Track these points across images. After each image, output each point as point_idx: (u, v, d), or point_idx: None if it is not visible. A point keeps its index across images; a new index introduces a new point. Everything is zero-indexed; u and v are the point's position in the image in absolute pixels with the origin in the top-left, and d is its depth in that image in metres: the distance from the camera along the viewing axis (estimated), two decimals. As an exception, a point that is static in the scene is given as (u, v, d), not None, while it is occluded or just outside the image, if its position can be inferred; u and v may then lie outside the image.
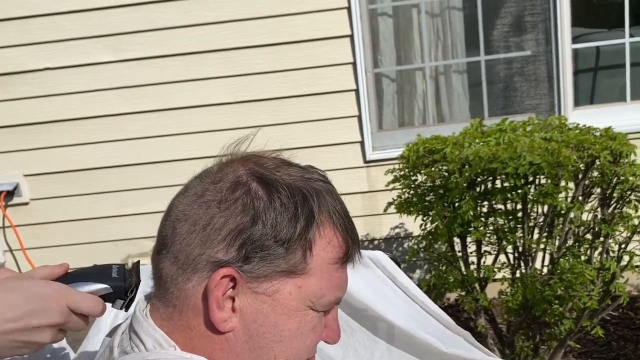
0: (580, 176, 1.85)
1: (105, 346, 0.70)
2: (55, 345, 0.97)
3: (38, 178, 3.12)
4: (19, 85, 3.02)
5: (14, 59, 2.98)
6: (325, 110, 2.95)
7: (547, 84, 2.98)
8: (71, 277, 0.69)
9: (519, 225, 1.93)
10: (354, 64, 2.91)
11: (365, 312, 1.06)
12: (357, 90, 2.93)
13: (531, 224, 1.94)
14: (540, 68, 2.99)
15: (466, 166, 1.83)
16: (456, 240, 2.10)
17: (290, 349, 0.65)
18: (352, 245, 0.68)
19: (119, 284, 0.69)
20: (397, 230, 3.04)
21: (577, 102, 3.04)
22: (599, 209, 1.91)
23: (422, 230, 2.10)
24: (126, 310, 0.71)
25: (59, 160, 3.08)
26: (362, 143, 2.97)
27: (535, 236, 1.94)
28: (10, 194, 3.10)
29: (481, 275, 1.98)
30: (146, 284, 0.75)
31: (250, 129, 2.69)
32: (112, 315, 1.01)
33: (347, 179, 2.98)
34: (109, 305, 0.78)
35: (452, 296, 2.99)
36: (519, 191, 1.75)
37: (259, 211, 0.62)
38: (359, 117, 2.95)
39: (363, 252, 1.08)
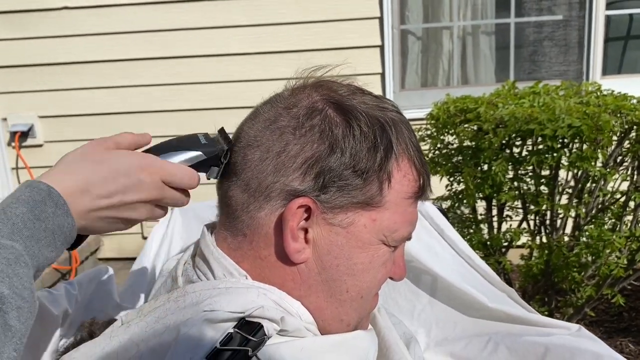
0: (614, 143, 1.81)
1: (167, 276, 0.68)
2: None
3: (52, 120, 3.08)
4: (37, 24, 2.95)
5: (32, -4, 2.90)
6: (349, 66, 2.88)
7: (577, 50, 2.91)
8: (158, 149, 0.63)
9: (545, 190, 1.91)
10: (381, 19, 2.83)
11: (410, 263, 1.03)
12: (382, 47, 2.86)
13: (560, 189, 1.91)
14: (572, 33, 2.91)
15: (500, 126, 1.79)
16: (480, 203, 2.08)
17: (362, 282, 0.63)
18: (426, 180, 0.66)
19: (211, 149, 0.63)
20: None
21: (605, 71, 2.97)
22: (629, 178, 1.88)
23: (448, 190, 2.07)
24: (222, 178, 0.65)
25: (73, 102, 3.03)
26: (383, 102, 2.92)
27: (563, 202, 1.91)
28: (24, 134, 3.06)
29: (506, 238, 1.96)
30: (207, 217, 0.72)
31: (268, 81, 2.66)
32: (155, 249, 0.99)
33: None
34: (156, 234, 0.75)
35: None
36: (554, 155, 1.71)
37: (337, 139, 0.59)
38: (382, 75, 2.89)
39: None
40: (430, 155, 2.16)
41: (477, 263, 1.04)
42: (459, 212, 2.11)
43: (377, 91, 2.89)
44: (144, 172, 0.58)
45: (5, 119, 3.09)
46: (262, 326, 0.53)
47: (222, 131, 0.66)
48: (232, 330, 0.53)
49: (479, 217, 2.08)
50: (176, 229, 1.02)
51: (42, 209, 0.53)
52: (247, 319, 0.54)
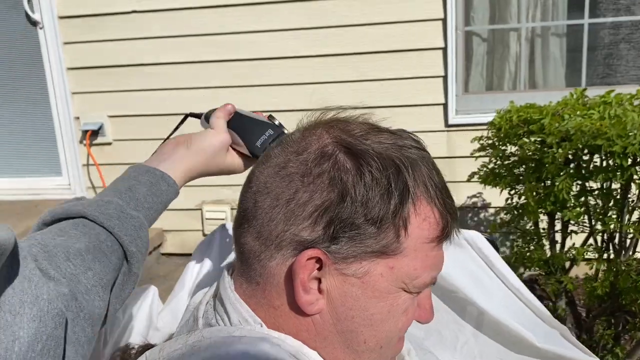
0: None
1: (190, 315, 0.68)
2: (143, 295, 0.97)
3: (121, 119, 3.21)
4: (108, 28, 3.07)
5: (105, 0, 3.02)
6: (409, 68, 2.82)
7: (657, 53, 2.71)
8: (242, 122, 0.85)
9: (614, 208, 1.79)
10: (444, 20, 2.74)
11: (454, 294, 0.99)
12: (444, 49, 2.77)
13: (629, 207, 1.78)
14: (652, 35, 2.71)
15: (565, 140, 1.69)
16: (542, 217, 1.98)
17: (381, 332, 0.60)
18: (450, 222, 0.61)
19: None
20: (474, 200, 2.92)
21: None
22: None
23: (508, 204, 1.98)
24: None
25: (140, 103, 3.14)
26: (445, 105, 2.84)
27: (634, 219, 1.79)
28: (95, 133, 3.21)
29: (568, 257, 1.86)
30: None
31: (327, 84, 2.64)
32: (196, 271, 1.00)
33: (426, 143, 2.85)
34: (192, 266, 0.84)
35: (526, 273, 2.87)
36: (625, 172, 1.60)
37: (347, 186, 0.55)
38: (445, 78, 2.81)
39: (459, 231, 1.01)
40: (490, 165, 2.08)
41: (527, 297, 0.98)
42: (520, 227, 2.03)
43: (439, 94, 2.82)
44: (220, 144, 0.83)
45: (78, 118, 3.24)
46: None
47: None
48: None
49: (542, 232, 1.99)
50: (217, 248, 1.03)
51: (157, 187, 0.74)
52: None
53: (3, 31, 3.38)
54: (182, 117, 0.98)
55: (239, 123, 0.87)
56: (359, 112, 0.65)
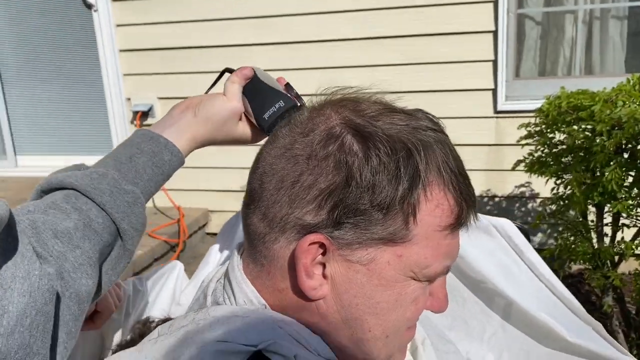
0: None
1: (201, 292, 0.68)
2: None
3: (169, 101, 3.27)
4: (158, 11, 3.13)
5: (154, -16, 3.08)
6: (458, 52, 2.74)
7: None
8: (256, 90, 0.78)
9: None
10: (495, 3, 2.65)
11: (482, 284, 0.96)
12: (495, 32, 2.68)
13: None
14: None
15: (617, 128, 1.60)
16: (591, 208, 1.89)
17: (387, 321, 0.58)
18: (465, 209, 0.57)
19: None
20: (522, 190, 2.83)
21: None
22: None
23: (553, 194, 1.90)
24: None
25: (188, 85, 3.20)
26: (494, 91, 2.75)
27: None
28: (145, 114, 3.29)
29: (616, 251, 1.77)
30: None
31: (373, 67, 2.59)
32: (220, 251, 1.00)
33: (472, 129, 2.79)
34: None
35: (573, 266, 2.76)
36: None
37: (352, 170, 0.53)
38: (494, 62, 2.72)
39: (488, 218, 0.97)
40: (537, 154, 1.99)
41: (560, 290, 0.94)
42: (566, 219, 1.94)
43: (488, 80, 2.73)
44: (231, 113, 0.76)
45: (129, 99, 3.33)
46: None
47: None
48: None
49: (589, 225, 1.90)
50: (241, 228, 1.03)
51: (160, 157, 0.69)
52: (261, 352, 0.52)
53: (60, 14, 3.50)
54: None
55: (253, 90, 0.78)
56: (372, 92, 0.62)
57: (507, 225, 0.95)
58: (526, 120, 2.08)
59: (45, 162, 3.75)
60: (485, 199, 2.88)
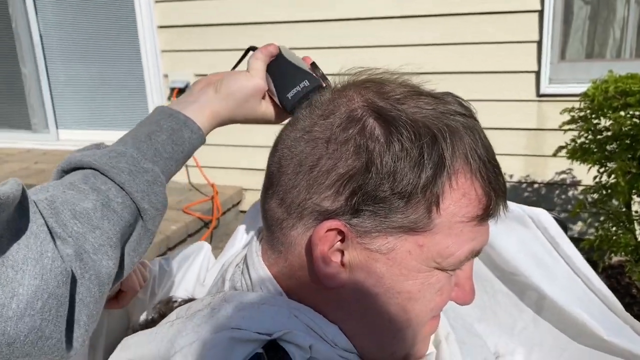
0: None
1: (220, 276, 0.67)
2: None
3: (206, 79, 3.27)
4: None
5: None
6: (501, 32, 2.64)
7: None
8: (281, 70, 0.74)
9: None
10: (543, -19, 2.53)
11: (514, 276, 0.92)
12: (541, 12, 2.57)
13: None
14: None
15: (667, 115, 1.51)
16: (635, 199, 1.81)
17: (409, 313, 0.55)
18: (494, 199, 0.54)
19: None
20: (563, 176, 2.73)
21: None
22: None
23: (596, 182, 1.83)
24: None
25: (226, 63, 3.18)
26: (537, 73, 2.64)
27: None
28: (181, 91, 3.31)
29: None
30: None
31: (413, 47, 2.52)
32: (246, 232, 0.99)
33: (512, 113, 2.70)
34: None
35: (614, 258, 2.66)
36: None
37: (373, 155, 0.51)
38: (539, 43, 2.61)
39: (523, 207, 0.93)
40: (580, 140, 1.91)
41: (597, 285, 0.89)
42: (608, 208, 1.86)
43: (532, 61, 2.63)
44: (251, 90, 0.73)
45: (166, 76, 3.36)
46: (286, 353, 0.50)
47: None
48: (260, 351, 0.50)
49: (633, 215, 1.82)
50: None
51: (179, 134, 0.66)
52: (275, 341, 0.51)
53: (101, -10, 3.54)
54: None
55: (278, 68, 0.75)
56: (400, 73, 0.59)
57: (543, 215, 0.90)
58: (570, 105, 2.00)
59: (85, 136, 3.83)
60: (524, 185, 2.80)
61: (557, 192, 2.77)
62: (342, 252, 0.54)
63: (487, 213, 0.54)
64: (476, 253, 0.57)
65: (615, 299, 0.89)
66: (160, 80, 3.39)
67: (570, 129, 1.95)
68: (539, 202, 2.80)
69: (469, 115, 0.55)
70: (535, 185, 2.79)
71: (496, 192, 0.54)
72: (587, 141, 1.86)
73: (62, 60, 3.85)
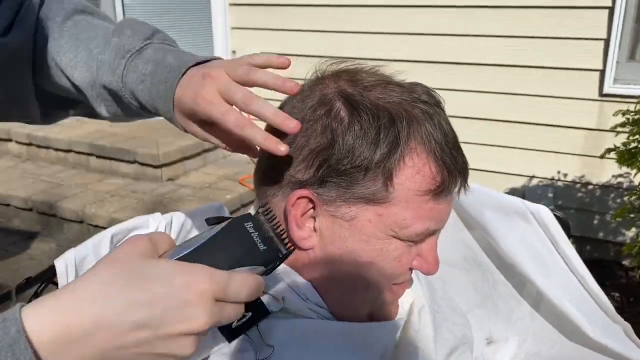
0: None
1: None
2: None
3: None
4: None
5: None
6: (567, 27, 2.57)
7: None
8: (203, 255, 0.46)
9: None
10: (617, -24, 2.44)
11: (513, 267, 0.97)
12: (611, 8, 2.48)
13: None
14: None
15: None
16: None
17: (369, 274, 0.64)
18: (448, 177, 0.62)
19: (271, 258, 0.50)
20: (619, 180, 2.65)
21: None
22: None
23: (640, 189, 1.79)
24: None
25: (291, 42, 3.27)
26: (602, 72, 2.56)
27: None
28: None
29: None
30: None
31: (476, 37, 2.49)
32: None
33: (571, 111, 2.64)
34: None
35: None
36: None
37: (336, 133, 0.60)
38: (606, 41, 2.52)
39: (526, 203, 0.96)
40: (633, 145, 1.87)
41: (591, 286, 0.92)
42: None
43: (597, 60, 2.55)
44: (191, 291, 0.41)
45: (234, 52, 3.50)
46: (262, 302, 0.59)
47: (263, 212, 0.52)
48: None
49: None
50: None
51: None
52: None
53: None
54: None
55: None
56: (376, 65, 0.67)
57: (545, 212, 0.93)
58: (626, 108, 1.94)
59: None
60: (578, 186, 2.74)
61: (612, 195, 2.69)
62: (315, 219, 0.63)
63: (440, 189, 0.62)
64: (432, 232, 0.65)
65: (608, 300, 0.92)
66: (228, 56, 3.53)
67: (621, 132, 1.91)
68: (592, 204, 2.73)
69: (434, 104, 0.63)
70: (590, 187, 2.73)
71: (450, 172, 0.62)
72: (637, 145, 1.81)
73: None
